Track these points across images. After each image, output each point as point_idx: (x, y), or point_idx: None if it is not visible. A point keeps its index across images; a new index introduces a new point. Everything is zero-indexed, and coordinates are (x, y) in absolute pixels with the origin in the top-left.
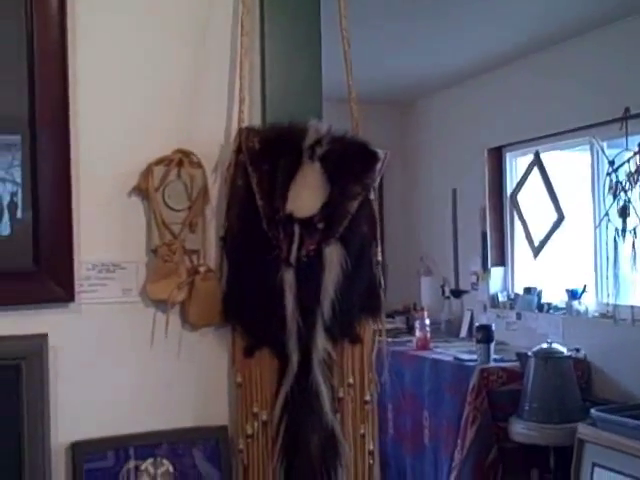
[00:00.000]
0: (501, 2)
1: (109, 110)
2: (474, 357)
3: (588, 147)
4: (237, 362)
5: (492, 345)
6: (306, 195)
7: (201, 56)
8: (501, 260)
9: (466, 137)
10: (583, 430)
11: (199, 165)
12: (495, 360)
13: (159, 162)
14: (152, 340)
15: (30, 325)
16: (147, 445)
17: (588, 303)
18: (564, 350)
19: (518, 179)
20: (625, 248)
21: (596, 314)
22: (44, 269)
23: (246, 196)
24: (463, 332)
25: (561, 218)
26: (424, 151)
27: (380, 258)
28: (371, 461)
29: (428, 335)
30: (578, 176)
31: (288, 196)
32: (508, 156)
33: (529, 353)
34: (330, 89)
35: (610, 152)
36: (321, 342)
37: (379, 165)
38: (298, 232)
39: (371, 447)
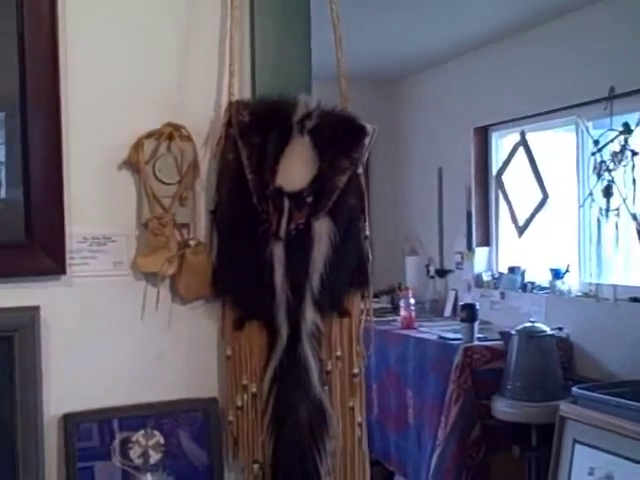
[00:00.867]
0: None
1: (98, 83)
2: (458, 336)
3: (573, 127)
4: (227, 335)
5: (476, 324)
6: (295, 169)
7: (191, 29)
8: (486, 240)
9: (452, 116)
10: (565, 408)
11: (189, 139)
12: (479, 339)
13: (149, 136)
14: (143, 313)
15: (22, 298)
16: (138, 417)
17: (571, 282)
18: (547, 329)
19: (503, 159)
20: (608, 228)
21: (579, 293)
22: (36, 242)
23: (236, 170)
24: (447, 311)
25: (545, 198)
26: (410, 130)
27: (368, 232)
28: (359, 433)
29: (413, 314)
30: (563, 156)
31: (278, 170)
32: (494, 136)
33: (512, 332)
34: (318, 68)
35: (595, 132)
36: (310, 315)
37: (367, 140)
38: (287, 206)
39: (359, 419)
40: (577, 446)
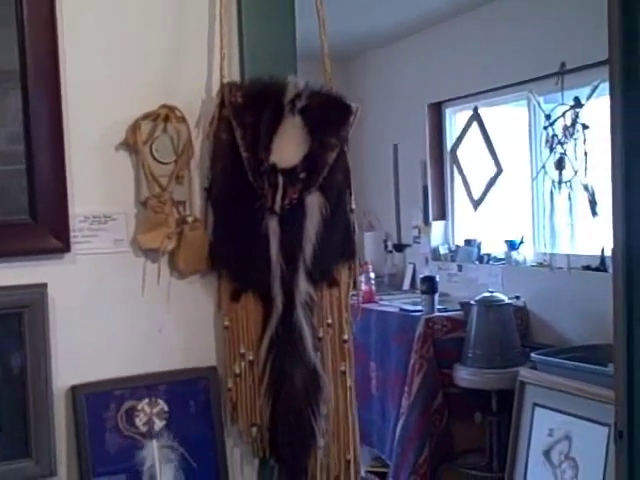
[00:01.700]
0: None
1: (94, 66)
2: (419, 308)
3: (525, 102)
4: (224, 306)
5: (436, 295)
6: (288, 147)
7: (183, 15)
8: (442, 214)
9: (406, 93)
10: (524, 373)
11: (183, 119)
12: (439, 310)
13: (146, 117)
14: (143, 288)
15: (29, 276)
16: (142, 386)
17: (526, 253)
18: (504, 298)
19: (458, 134)
20: (561, 200)
21: (534, 263)
22: (41, 222)
23: (230, 149)
24: (406, 285)
25: (499, 172)
26: (365, 107)
27: (354, 206)
28: (350, 396)
29: (373, 288)
30: (516, 130)
31: (271, 148)
32: (448, 111)
33: (472, 302)
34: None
35: (547, 106)
36: (303, 285)
37: (352, 118)
38: (282, 182)
39: (350, 383)
40: (537, 409)
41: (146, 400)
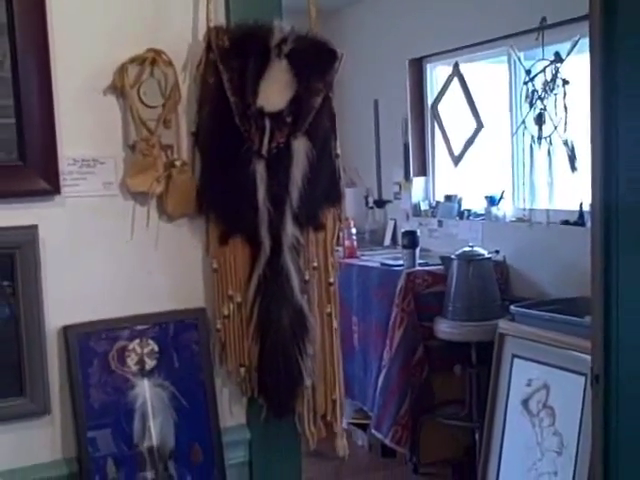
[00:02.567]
0: None
1: (81, 11)
2: (400, 262)
3: (505, 58)
4: (212, 249)
5: (417, 250)
6: (275, 91)
7: None
8: (423, 170)
9: (387, 48)
10: (503, 325)
11: (170, 63)
12: (420, 264)
13: (133, 61)
14: (132, 230)
15: (19, 218)
16: (133, 327)
17: (506, 209)
18: (485, 253)
19: (438, 90)
20: (540, 155)
21: (513, 219)
22: (30, 164)
23: (217, 93)
24: (387, 241)
25: (480, 127)
26: (346, 62)
27: (339, 151)
28: (336, 337)
29: (355, 244)
30: (496, 86)
31: (258, 92)
32: (428, 67)
33: (452, 256)
34: None
35: (527, 62)
36: (290, 229)
37: (337, 63)
38: (269, 125)
39: (335, 325)
40: (515, 360)
41: (137, 340)
